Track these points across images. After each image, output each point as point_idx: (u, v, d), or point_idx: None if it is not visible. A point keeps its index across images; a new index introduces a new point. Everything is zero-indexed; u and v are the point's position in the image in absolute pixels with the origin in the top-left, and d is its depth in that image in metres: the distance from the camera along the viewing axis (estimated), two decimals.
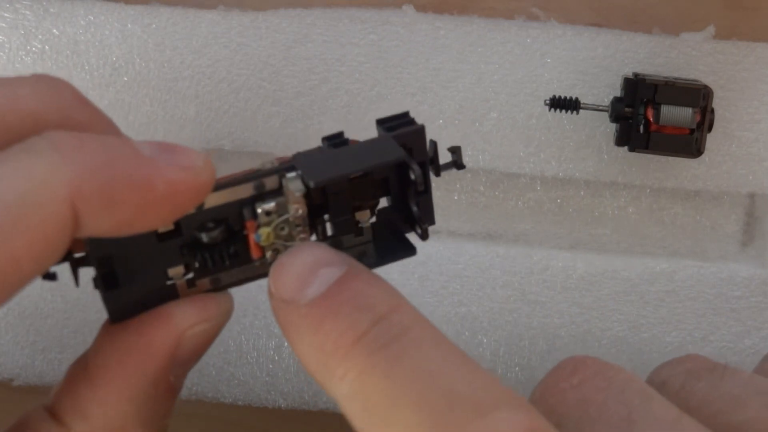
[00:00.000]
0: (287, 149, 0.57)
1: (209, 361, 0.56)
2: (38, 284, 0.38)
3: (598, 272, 0.57)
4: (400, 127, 0.36)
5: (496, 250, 0.58)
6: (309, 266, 0.33)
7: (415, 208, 0.37)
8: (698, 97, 0.53)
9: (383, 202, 0.38)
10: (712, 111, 0.54)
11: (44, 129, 0.33)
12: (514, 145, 0.58)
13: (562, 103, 0.55)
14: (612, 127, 0.57)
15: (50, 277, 0.35)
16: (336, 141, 0.37)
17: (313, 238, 0.37)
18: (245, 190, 0.35)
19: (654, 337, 0.57)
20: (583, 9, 0.58)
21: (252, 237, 0.36)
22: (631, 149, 0.55)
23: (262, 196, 0.35)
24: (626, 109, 0.55)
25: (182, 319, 0.35)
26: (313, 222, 0.36)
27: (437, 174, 0.37)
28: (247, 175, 0.36)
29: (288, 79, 0.57)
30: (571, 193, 0.59)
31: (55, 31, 0.56)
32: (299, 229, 0.36)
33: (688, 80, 0.55)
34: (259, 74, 0.57)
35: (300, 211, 0.35)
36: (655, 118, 0.53)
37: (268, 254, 0.36)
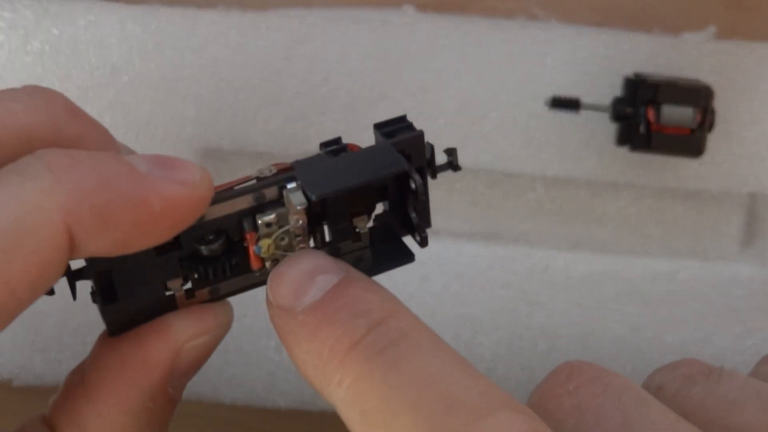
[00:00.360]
0: (287, 149, 0.57)
1: (209, 361, 0.56)
2: None
3: (599, 272, 0.57)
4: (399, 132, 0.36)
5: (497, 250, 0.58)
6: (306, 274, 0.33)
7: (414, 215, 0.36)
8: (699, 96, 0.53)
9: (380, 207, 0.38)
10: (713, 111, 0.54)
11: (37, 145, 0.32)
12: (514, 145, 0.58)
13: (562, 103, 0.55)
14: (613, 127, 0.57)
15: (48, 291, 0.35)
16: (334, 147, 0.36)
17: (311, 244, 0.36)
18: (245, 201, 0.35)
19: (655, 337, 0.57)
20: (583, 9, 0.58)
21: (252, 249, 0.35)
22: (632, 149, 0.55)
23: (261, 207, 0.35)
24: (627, 109, 0.54)
25: (181, 332, 0.35)
26: (311, 229, 0.36)
27: (434, 176, 0.37)
28: (246, 186, 0.35)
29: (288, 79, 0.57)
30: (571, 193, 0.59)
31: (55, 30, 0.56)
32: (299, 238, 0.36)
33: (689, 80, 0.55)
34: (259, 74, 0.57)
35: (300, 222, 0.35)
36: (656, 117, 0.53)
37: (268, 264, 0.36)
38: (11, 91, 0.34)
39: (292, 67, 0.57)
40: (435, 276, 0.57)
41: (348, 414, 0.30)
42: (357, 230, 0.37)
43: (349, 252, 0.37)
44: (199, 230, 0.35)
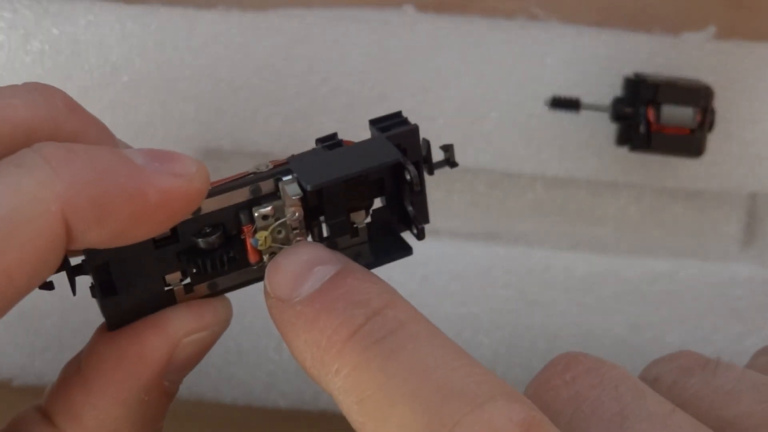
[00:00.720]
0: (287, 149, 0.57)
1: (209, 361, 0.56)
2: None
3: (599, 272, 0.57)
4: (394, 127, 0.37)
5: (497, 250, 0.58)
6: (304, 265, 0.33)
7: (410, 209, 0.37)
8: (699, 96, 0.53)
9: (377, 203, 0.38)
10: (713, 111, 0.54)
11: (37, 140, 0.33)
12: (514, 145, 0.58)
13: (562, 103, 0.55)
14: (613, 127, 0.57)
15: (47, 286, 0.35)
16: (330, 143, 0.37)
17: (309, 239, 0.37)
18: (241, 195, 0.35)
19: (655, 337, 0.57)
20: (583, 9, 0.58)
21: (249, 241, 0.36)
22: (632, 149, 0.55)
23: (258, 200, 0.35)
24: (627, 109, 0.55)
25: (178, 327, 0.35)
26: (308, 224, 0.36)
27: (431, 173, 0.37)
28: (243, 179, 0.35)
29: (288, 79, 0.57)
30: (571, 193, 0.59)
31: (55, 30, 0.56)
32: (296, 231, 0.36)
33: (689, 80, 0.55)
34: (259, 74, 0.57)
35: (297, 214, 0.35)
36: (656, 118, 0.53)
37: (266, 257, 0.36)
38: (11, 87, 0.35)
39: (292, 67, 0.57)
40: (435, 276, 0.57)
41: (346, 403, 0.30)
42: (354, 225, 0.37)
43: (347, 247, 0.37)
44: (197, 223, 0.35)
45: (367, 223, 0.37)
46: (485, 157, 0.58)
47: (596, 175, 0.58)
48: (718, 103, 0.55)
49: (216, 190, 0.35)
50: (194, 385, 0.56)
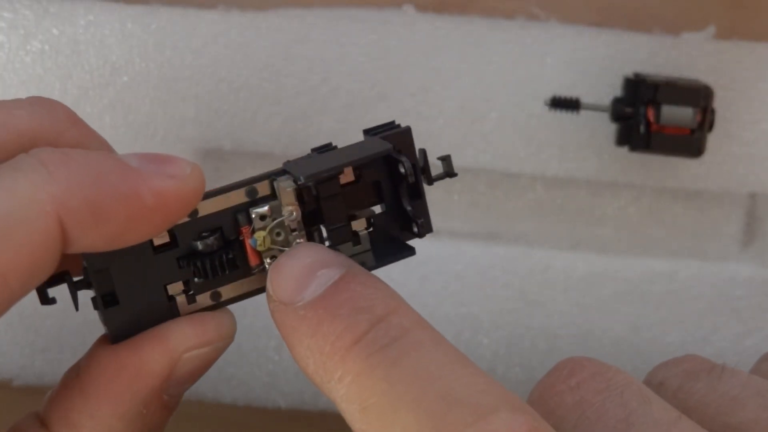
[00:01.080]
0: (287, 149, 0.57)
1: None
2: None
3: (599, 272, 0.57)
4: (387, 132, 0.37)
5: (497, 250, 0.58)
6: (307, 268, 0.33)
7: (408, 208, 0.37)
8: (699, 97, 0.53)
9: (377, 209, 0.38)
10: (713, 111, 0.54)
11: (37, 147, 0.33)
12: (514, 145, 0.58)
13: (562, 103, 0.55)
14: (612, 127, 0.57)
15: (49, 301, 0.35)
16: (324, 149, 0.37)
17: None
18: (238, 197, 0.36)
19: (655, 337, 0.57)
20: (583, 9, 0.58)
21: (248, 242, 0.36)
22: (632, 149, 0.55)
23: (255, 202, 0.36)
24: (627, 109, 0.54)
25: (180, 341, 0.35)
26: (309, 231, 0.36)
27: (429, 183, 0.37)
28: (238, 181, 0.36)
29: (288, 79, 0.57)
30: (571, 193, 0.59)
31: (54, 31, 0.56)
32: (295, 234, 0.36)
33: (689, 80, 0.55)
34: (259, 74, 0.57)
35: (294, 214, 0.35)
36: (656, 118, 0.53)
37: (267, 261, 0.36)
38: (16, 100, 0.36)
39: (292, 67, 0.57)
40: (435, 276, 0.57)
41: (348, 410, 0.30)
42: (356, 232, 0.37)
43: (350, 256, 0.37)
44: (195, 227, 0.35)
45: (369, 232, 0.37)
46: (485, 157, 0.58)
47: (596, 175, 0.58)
48: (718, 103, 0.55)
49: (212, 192, 0.35)
50: (194, 385, 0.56)
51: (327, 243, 0.37)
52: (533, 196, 0.59)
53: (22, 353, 0.56)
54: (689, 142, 0.54)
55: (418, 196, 0.37)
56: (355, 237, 0.37)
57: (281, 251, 0.35)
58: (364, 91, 0.57)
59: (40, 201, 0.30)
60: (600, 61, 0.57)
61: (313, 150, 0.37)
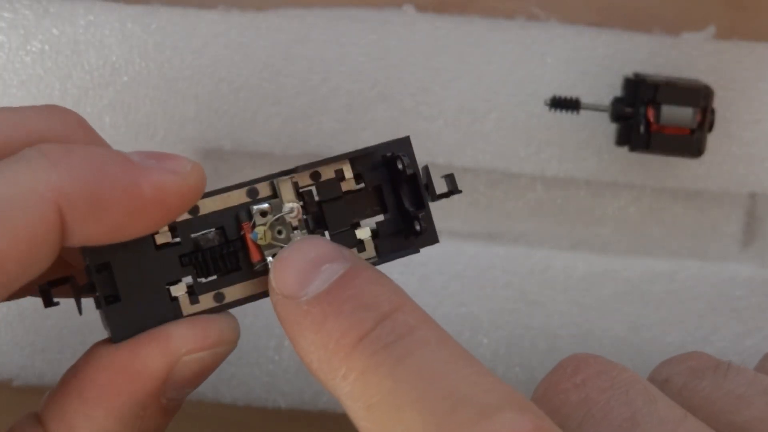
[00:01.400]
0: (287, 149, 0.57)
1: None
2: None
3: (599, 272, 0.57)
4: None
5: (497, 250, 0.58)
6: (311, 261, 0.33)
7: (409, 206, 0.37)
8: (699, 97, 0.53)
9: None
10: (713, 111, 0.54)
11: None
12: (514, 145, 0.58)
13: (562, 103, 0.55)
14: (612, 127, 0.57)
15: (53, 303, 0.35)
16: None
17: None
18: (239, 196, 0.36)
19: (655, 337, 0.57)
20: (583, 9, 0.58)
21: (249, 237, 0.36)
22: (632, 149, 0.55)
23: (256, 202, 0.36)
24: (627, 109, 0.54)
25: (180, 343, 0.34)
26: (312, 232, 0.36)
27: (433, 200, 0.38)
28: (240, 182, 0.36)
29: (288, 79, 0.57)
30: (571, 193, 0.59)
31: (54, 30, 0.56)
32: (297, 232, 0.36)
33: (689, 80, 0.55)
34: (259, 74, 0.57)
35: (295, 211, 0.35)
36: (656, 118, 0.53)
37: (269, 259, 0.36)
38: (31, 106, 0.36)
39: (292, 67, 0.57)
40: (435, 276, 0.57)
41: (353, 408, 0.30)
42: (360, 239, 0.37)
43: None
44: (197, 225, 0.36)
45: (374, 240, 0.37)
46: (485, 157, 0.58)
47: (596, 175, 0.58)
48: (718, 103, 0.55)
49: (213, 192, 0.36)
50: None
51: None
52: (533, 196, 0.59)
53: (22, 353, 0.56)
54: (689, 142, 0.54)
55: (419, 196, 0.37)
56: (359, 244, 0.37)
57: (283, 248, 0.35)
58: (364, 91, 0.57)
59: (39, 188, 0.31)
60: (600, 61, 0.57)
61: None
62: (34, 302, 0.55)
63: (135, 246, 0.35)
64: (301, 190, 0.37)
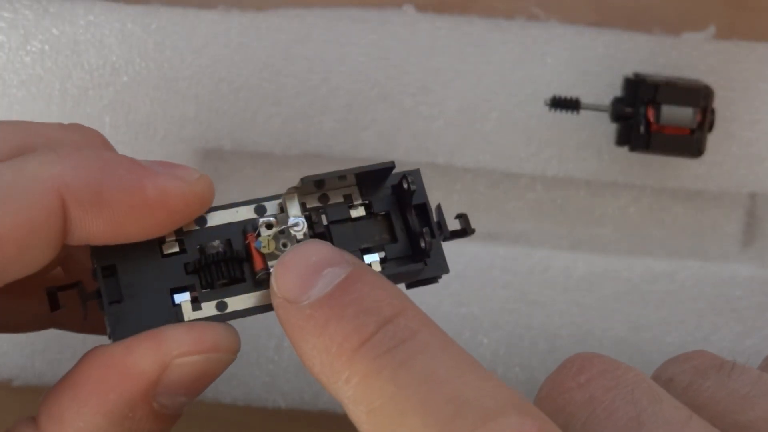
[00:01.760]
0: (287, 149, 0.57)
1: None
2: None
3: (599, 272, 0.57)
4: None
5: (497, 250, 0.58)
6: (313, 265, 0.33)
7: (414, 224, 0.37)
8: (699, 97, 0.53)
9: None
10: (713, 111, 0.54)
11: None
12: (514, 145, 0.58)
13: (562, 103, 0.55)
14: (612, 127, 0.57)
15: (59, 306, 0.36)
16: None
17: None
18: (247, 212, 0.36)
19: (655, 337, 0.57)
20: (583, 9, 0.58)
21: (253, 245, 0.36)
22: (632, 149, 0.55)
23: (263, 218, 0.36)
24: (627, 109, 0.55)
25: (173, 345, 0.34)
26: None
27: (445, 239, 0.38)
28: (248, 200, 0.37)
29: (288, 79, 0.57)
30: (571, 193, 0.59)
31: (54, 30, 0.56)
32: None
33: (689, 80, 0.55)
34: (259, 74, 0.57)
35: (300, 225, 0.36)
36: (656, 118, 0.53)
37: (272, 269, 0.36)
38: (57, 123, 0.37)
39: (292, 67, 0.57)
40: None
41: (355, 412, 0.30)
42: (368, 264, 0.37)
43: None
44: (203, 237, 0.36)
45: (382, 266, 0.37)
46: (485, 157, 0.58)
47: (596, 175, 0.58)
48: (718, 103, 0.55)
49: (221, 207, 0.36)
50: None
51: None
52: (533, 196, 0.59)
53: (22, 353, 0.56)
54: (689, 142, 0.54)
55: (427, 218, 0.37)
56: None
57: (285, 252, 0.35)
58: (364, 91, 0.57)
59: (43, 176, 0.32)
60: (600, 61, 0.57)
61: None
62: None
63: (141, 252, 0.35)
64: (309, 208, 0.37)
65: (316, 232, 0.36)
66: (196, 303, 0.36)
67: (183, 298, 0.36)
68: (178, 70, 0.57)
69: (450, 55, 0.57)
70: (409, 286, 0.39)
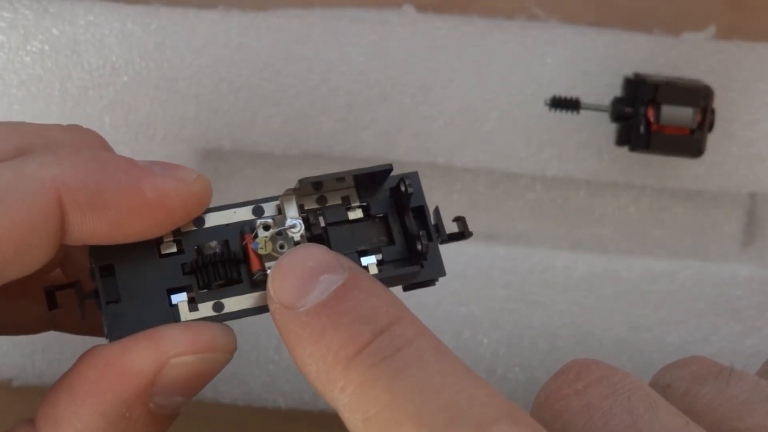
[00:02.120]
0: (287, 149, 0.57)
1: None
2: None
3: (599, 272, 0.57)
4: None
5: (497, 250, 0.58)
6: (309, 271, 0.33)
7: (414, 231, 0.37)
8: (699, 96, 0.53)
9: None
10: (713, 111, 0.54)
11: None
12: (514, 145, 0.58)
13: (562, 103, 0.55)
14: (612, 127, 0.57)
15: (56, 305, 0.36)
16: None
17: None
18: (245, 213, 0.37)
19: (655, 337, 0.57)
20: (583, 9, 0.58)
21: (250, 246, 0.36)
22: (632, 149, 0.55)
23: (261, 219, 0.36)
24: (627, 109, 0.55)
25: (170, 344, 0.34)
26: None
27: (443, 242, 0.38)
28: (246, 201, 0.37)
29: (288, 79, 0.57)
30: (571, 193, 0.59)
31: (54, 30, 0.56)
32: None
33: (689, 80, 0.55)
34: (259, 74, 0.57)
35: (297, 226, 0.36)
36: (656, 118, 0.53)
37: (270, 271, 0.36)
38: (55, 124, 0.38)
39: (292, 67, 0.57)
40: None
41: (351, 420, 0.30)
42: (365, 266, 0.37)
43: None
44: (201, 237, 0.36)
45: (379, 268, 0.37)
46: (485, 157, 0.58)
47: (596, 175, 0.58)
48: (718, 103, 0.55)
49: (219, 207, 0.36)
50: None
51: None
52: (533, 196, 0.59)
53: (22, 353, 0.56)
54: (689, 142, 0.54)
55: (424, 221, 0.37)
56: (364, 269, 0.37)
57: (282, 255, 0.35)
58: (364, 91, 0.57)
59: (41, 176, 0.32)
60: (600, 61, 0.57)
61: None
62: None
63: (139, 252, 0.35)
64: (306, 209, 0.37)
65: (313, 233, 0.36)
66: (192, 303, 0.36)
67: (180, 299, 0.36)
68: (178, 70, 0.57)
69: (450, 55, 0.57)
70: (405, 289, 0.39)
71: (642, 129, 0.54)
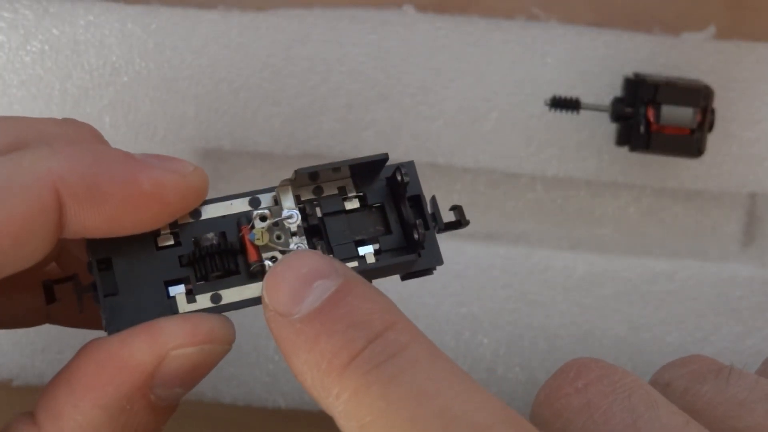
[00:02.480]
0: (287, 149, 0.57)
1: None
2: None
3: (599, 272, 0.57)
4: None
5: (497, 250, 0.58)
6: (303, 278, 0.33)
7: (410, 220, 0.37)
8: (699, 97, 0.53)
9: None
10: (713, 111, 0.54)
11: None
12: (514, 145, 0.58)
13: (562, 103, 0.55)
14: (612, 127, 0.57)
15: (54, 299, 0.36)
16: None
17: None
18: (241, 205, 0.37)
19: (654, 337, 0.57)
20: (583, 9, 0.58)
21: (247, 237, 0.36)
22: (632, 149, 0.55)
23: (258, 210, 0.36)
24: (627, 109, 0.55)
25: (169, 337, 0.34)
26: (312, 241, 0.37)
27: (439, 231, 0.38)
28: (242, 192, 0.37)
29: (288, 79, 0.57)
30: (571, 193, 0.59)
31: (54, 31, 0.56)
32: (296, 239, 0.36)
33: (689, 80, 0.55)
34: (259, 74, 0.57)
35: (294, 217, 0.36)
36: (656, 118, 0.53)
37: (267, 263, 0.36)
38: (49, 117, 0.38)
39: (292, 67, 0.57)
40: (435, 276, 0.57)
41: (346, 427, 0.30)
42: (362, 256, 0.37)
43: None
44: (198, 229, 0.36)
45: (376, 257, 0.37)
46: (485, 157, 0.58)
47: (596, 175, 0.58)
48: (718, 103, 0.55)
49: (215, 199, 0.36)
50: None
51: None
52: (533, 196, 0.59)
53: (22, 353, 0.56)
54: (689, 142, 0.54)
55: (420, 209, 0.37)
56: (361, 258, 0.37)
57: (282, 252, 0.36)
58: (364, 91, 0.57)
59: (38, 170, 0.32)
60: (600, 61, 0.57)
61: None
62: None
63: (136, 245, 0.35)
64: (303, 200, 0.37)
65: (310, 224, 0.37)
66: (190, 295, 0.36)
67: (178, 291, 0.36)
68: (178, 70, 0.57)
69: (450, 55, 0.57)
70: (404, 278, 0.39)
71: (642, 129, 0.54)
